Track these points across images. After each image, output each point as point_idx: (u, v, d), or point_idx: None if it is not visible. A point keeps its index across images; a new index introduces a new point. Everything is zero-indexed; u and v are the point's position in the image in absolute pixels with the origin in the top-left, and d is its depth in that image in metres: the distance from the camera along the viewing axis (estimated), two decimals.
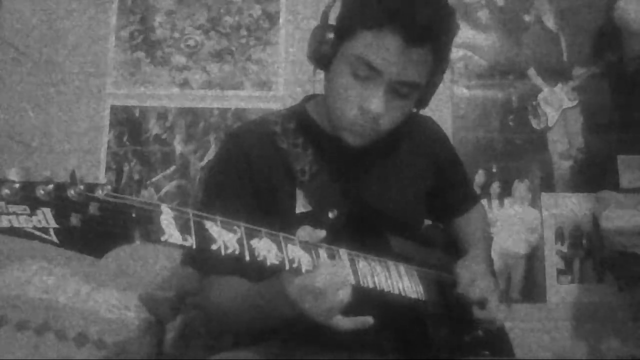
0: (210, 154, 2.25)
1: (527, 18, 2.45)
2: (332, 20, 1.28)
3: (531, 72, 2.41)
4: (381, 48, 1.18)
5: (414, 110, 1.35)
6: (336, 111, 1.27)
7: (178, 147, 2.27)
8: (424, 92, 1.30)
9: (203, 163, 2.25)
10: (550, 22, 2.45)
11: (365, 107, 1.22)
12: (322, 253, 1.03)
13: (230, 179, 1.35)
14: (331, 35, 1.25)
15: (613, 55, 2.40)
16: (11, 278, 1.88)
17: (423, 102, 1.34)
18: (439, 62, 1.26)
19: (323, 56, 1.27)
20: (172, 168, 2.26)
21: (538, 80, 2.41)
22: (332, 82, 1.27)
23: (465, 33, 2.42)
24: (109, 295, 1.93)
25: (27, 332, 1.78)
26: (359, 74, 1.21)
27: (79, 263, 2.03)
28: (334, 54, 1.26)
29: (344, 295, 1.01)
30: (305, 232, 1.03)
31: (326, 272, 1.00)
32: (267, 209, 1.31)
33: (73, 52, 2.30)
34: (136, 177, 2.24)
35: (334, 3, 1.28)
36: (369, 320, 1.05)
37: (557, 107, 2.40)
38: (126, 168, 2.24)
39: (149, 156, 2.26)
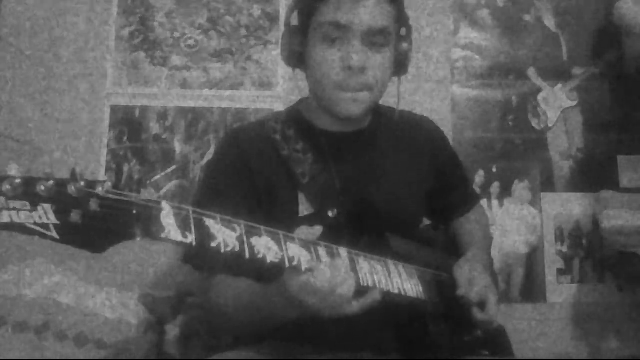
0: (210, 154, 2.24)
1: (527, 18, 2.45)
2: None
3: (531, 72, 2.41)
4: (339, 6, 1.25)
5: (396, 77, 1.40)
6: (324, 86, 1.31)
7: (178, 147, 2.27)
8: (397, 53, 1.35)
9: (203, 163, 2.25)
10: (550, 22, 2.45)
11: (347, 64, 1.27)
12: (322, 251, 1.03)
13: (228, 178, 1.36)
14: (297, 32, 1.34)
15: (613, 55, 2.41)
16: (11, 278, 1.88)
17: (401, 65, 1.39)
18: (397, 11, 1.33)
19: (296, 54, 1.35)
20: (172, 168, 2.26)
21: (538, 80, 2.41)
22: (312, 63, 1.32)
23: (465, 33, 2.42)
24: (109, 295, 1.93)
25: (27, 333, 1.78)
26: (330, 35, 1.27)
27: (79, 263, 2.03)
28: (305, 46, 1.33)
29: (347, 290, 1.02)
30: (302, 231, 1.03)
31: (326, 270, 1.00)
32: (268, 212, 1.31)
33: (73, 52, 2.30)
34: (136, 176, 2.24)
35: (292, 11, 1.36)
36: (377, 295, 1.07)
37: (557, 107, 2.40)
38: (126, 168, 2.24)
39: (149, 156, 2.26)
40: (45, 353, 1.77)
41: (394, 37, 1.33)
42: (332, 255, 1.05)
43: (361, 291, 1.07)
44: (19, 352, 1.75)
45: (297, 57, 1.35)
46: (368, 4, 1.25)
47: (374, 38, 1.28)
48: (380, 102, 1.42)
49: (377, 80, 1.31)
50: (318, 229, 1.05)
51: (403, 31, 1.37)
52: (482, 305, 1.31)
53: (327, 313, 1.03)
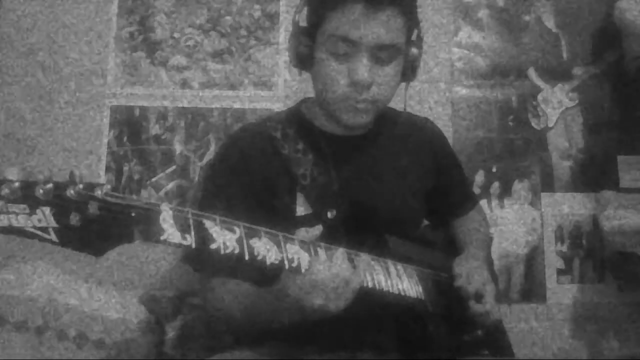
0: (210, 154, 2.25)
1: (527, 18, 2.45)
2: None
3: (531, 72, 2.41)
4: (350, 19, 1.23)
5: (403, 83, 1.39)
6: (329, 96, 1.31)
7: (178, 147, 2.27)
8: (406, 60, 1.34)
9: (203, 163, 2.25)
10: (550, 22, 2.45)
11: (353, 80, 1.26)
12: (321, 252, 1.03)
13: (228, 178, 1.36)
14: (305, 35, 1.32)
15: (613, 55, 2.40)
16: (11, 278, 1.88)
17: (409, 73, 1.37)
18: (409, 22, 1.31)
19: (303, 56, 1.33)
20: (172, 168, 2.26)
21: (538, 81, 2.41)
22: (318, 72, 1.31)
23: (465, 33, 2.42)
24: (109, 295, 1.93)
25: (27, 332, 1.78)
26: (339, 51, 1.26)
27: (79, 263, 2.03)
28: (312, 50, 1.31)
29: (351, 284, 1.02)
30: (302, 233, 1.03)
31: (326, 265, 1.00)
32: (267, 211, 1.31)
33: (73, 52, 2.30)
34: (136, 177, 2.24)
35: (302, 8, 1.34)
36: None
37: (557, 107, 2.40)
38: (126, 168, 2.24)
39: (149, 156, 2.26)
40: (45, 353, 1.77)
41: (404, 48, 1.32)
42: (331, 256, 1.05)
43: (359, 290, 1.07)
44: (19, 352, 1.75)
45: (304, 60, 1.34)
46: (379, 19, 1.23)
47: (382, 53, 1.26)
48: None
49: (383, 93, 1.30)
50: (318, 229, 1.05)
51: (414, 35, 1.35)
52: (479, 297, 1.32)
53: (330, 310, 1.03)
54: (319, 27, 1.29)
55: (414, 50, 1.35)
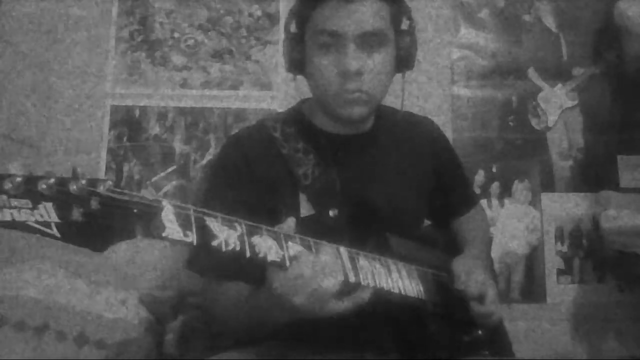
0: (210, 154, 2.25)
1: (527, 18, 2.45)
2: None
3: (531, 72, 2.42)
4: (331, 12, 1.25)
5: (400, 73, 1.39)
6: (323, 92, 1.32)
7: (178, 147, 2.27)
8: (398, 49, 1.34)
9: (203, 163, 2.25)
10: (550, 22, 2.45)
11: (342, 69, 1.26)
12: (324, 250, 1.03)
13: (230, 180, 1.36)
14: (295, 39, 1.34)
15: (613, 55, 2.41)
16: (11, 278, 1.87)
17: (404, 61, 1.37)
18: (394, 9, 1.32)
19: (296, 60, 1.35)
20: (172, 168, 2.26)
21: (538, 80, 2.42)
22: (310, 71, 1.33)
23: (465, 33, 2.43)
24: (109, 295, 1.93)
25: (27, 332, 1.78)
26: (324, 43, 1.27)
27: (79, 263, 2.03)
28: (303, 52, 1.33)
29: (333, 281, 1.01)
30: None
31: (309, 260, 1.00)
32: (269, 212, 1.31)
33: (73, 52, 2.30)
34: (136, 177, 2.24)
35: (291, 18, 1.36)
36: (365, 294, 1.06)
37: (557, 107, 2.41)
38: (126, 168, 2.24)
39: (149, 156, 2.26)
40: (45, 353, 1.77)
41: (393, 35, 1.32)
42: (334, 255, 1.05)
43: (354, 288, 1.07)
44: (19, 352, 1.75)
45: (298, 64, 1.35)
46: (359, 8, 1.25)
47: (369, 40, 1.27)
48: (385, 101, 1.41)
49: (376, 82, 1.30)
50: (292, 221, 1.04)
51: (405, 25, 1.35)
52: (481, 298, 1.31)
53: (314, 311, 1.02)
54: (306, 28, 1.31)
55: (406, 39, 1.35)
